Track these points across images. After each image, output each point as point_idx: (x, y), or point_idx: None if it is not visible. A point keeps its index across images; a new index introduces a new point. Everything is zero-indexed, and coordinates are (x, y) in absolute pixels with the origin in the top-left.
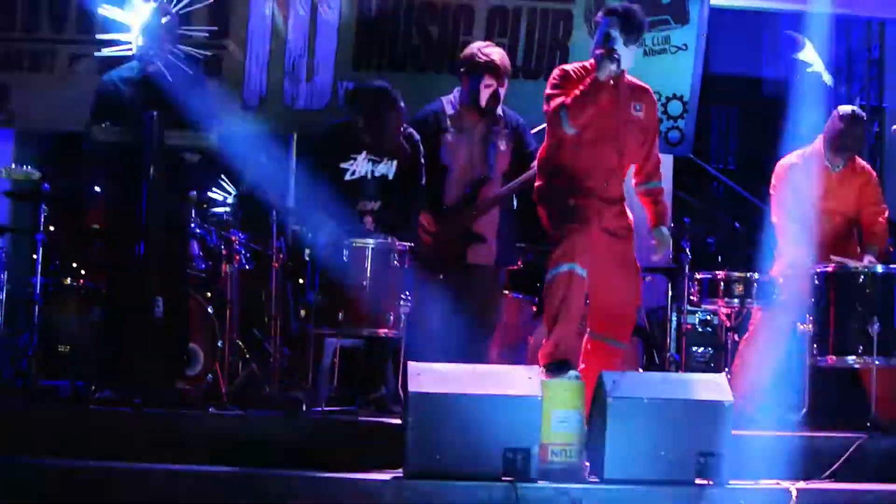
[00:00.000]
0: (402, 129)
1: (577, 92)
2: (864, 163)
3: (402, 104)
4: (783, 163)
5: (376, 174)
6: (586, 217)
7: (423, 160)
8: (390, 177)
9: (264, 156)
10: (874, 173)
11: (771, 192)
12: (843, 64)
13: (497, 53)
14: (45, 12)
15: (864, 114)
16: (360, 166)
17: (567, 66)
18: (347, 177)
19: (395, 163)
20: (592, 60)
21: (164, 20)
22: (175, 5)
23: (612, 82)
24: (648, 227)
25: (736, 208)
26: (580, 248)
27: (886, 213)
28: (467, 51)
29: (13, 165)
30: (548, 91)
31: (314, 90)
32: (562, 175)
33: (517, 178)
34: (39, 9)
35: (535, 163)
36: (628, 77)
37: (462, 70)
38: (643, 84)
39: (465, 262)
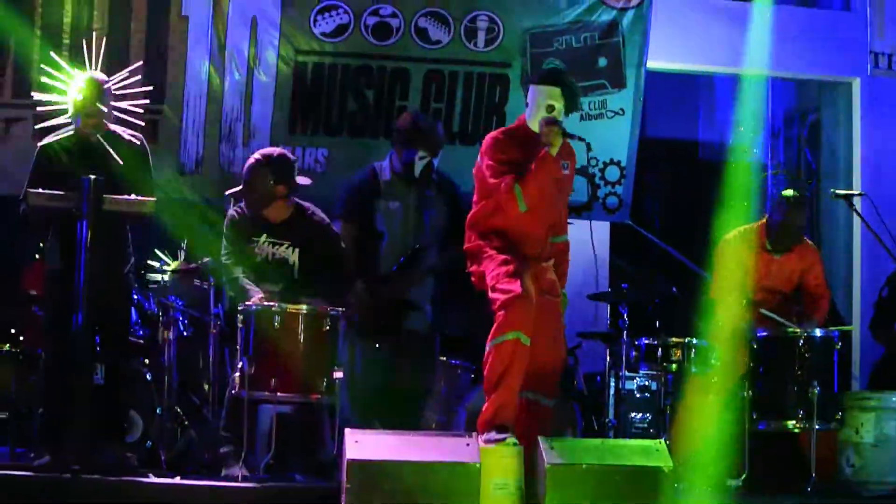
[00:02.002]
0: (279, 195)
1: (532, 169)
2: (808, 242)
3: (287, 174)
4: (725, 238)
5: (276, 257)
6: (528, 283)
7: (341, 245)
8: (290, 262)
9: (201, 221)
10: (818, 254)
11: (713, 266)
12: (780, 126)
13: (431, 125)
14: None
15: (806, 198)
16: (262, 249)
17: (501, 133)
18: (255, 258)
19: (296, 251)
20: (519, 124)
21: (98, 87)
22: (111, 77)
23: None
24: None
25: (673, 273)
26: (524, 317)
27: (828, 297)
28: (402, 121)
29: None
30: (489, 162)
31: (250, 155)
32: (499, 238)
33: (452, 243)
34: None
35: (469, 223)
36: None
37: (396, 139)
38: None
39: (401, 329)
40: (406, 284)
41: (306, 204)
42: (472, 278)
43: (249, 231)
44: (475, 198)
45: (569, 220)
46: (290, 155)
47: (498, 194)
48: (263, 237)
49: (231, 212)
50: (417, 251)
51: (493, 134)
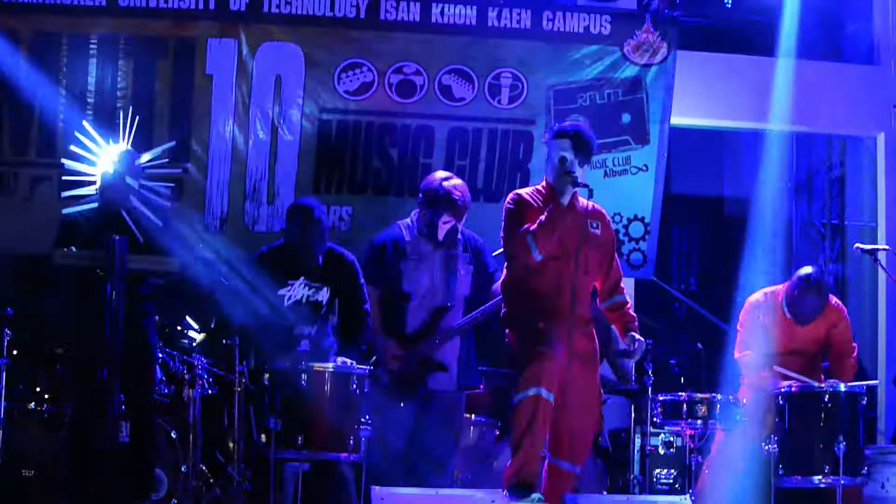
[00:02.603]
0: (322, 245)
1: (542, 219)
2: (834, 300)
3: (324, 220)
4: (750, 300)
5: (311, 299)
6: (555, 340)
7: (361, 282)
8: (324, 302)
9: (226, 279)
10: (844, 310)
11: (738, 327)
12: (804, 181)
13: (458, 190)
14: (7, 135)
15: (823, 279)
16: (296, 291)
17: (521, 191)
18: (286, 302)
19: (328, 289)
20: (545, 182)
21: (129, 170)
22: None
23: (569, 202)
24: (620, 337)
25: (698, 329)
26: (548, 373)
27: (855, 353)
28: (428, 182)
29: None
30: (507, 220)
31: (275, 213)
32: (529, 298)
33: (478, 301)
34: (1, 132)
35: (499, 287)
36: (580, 196)
37: (421, 200)
38: (594, 204)
39: (427, 389)
40: (432, 345)
41: (335, 246)
42: (512, 343)
43: (285, 273)
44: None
45: None
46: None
47: (515, 247)
48: (301, 279)
49: (264, 249)
50: (443, 311)
51: (512, 193)
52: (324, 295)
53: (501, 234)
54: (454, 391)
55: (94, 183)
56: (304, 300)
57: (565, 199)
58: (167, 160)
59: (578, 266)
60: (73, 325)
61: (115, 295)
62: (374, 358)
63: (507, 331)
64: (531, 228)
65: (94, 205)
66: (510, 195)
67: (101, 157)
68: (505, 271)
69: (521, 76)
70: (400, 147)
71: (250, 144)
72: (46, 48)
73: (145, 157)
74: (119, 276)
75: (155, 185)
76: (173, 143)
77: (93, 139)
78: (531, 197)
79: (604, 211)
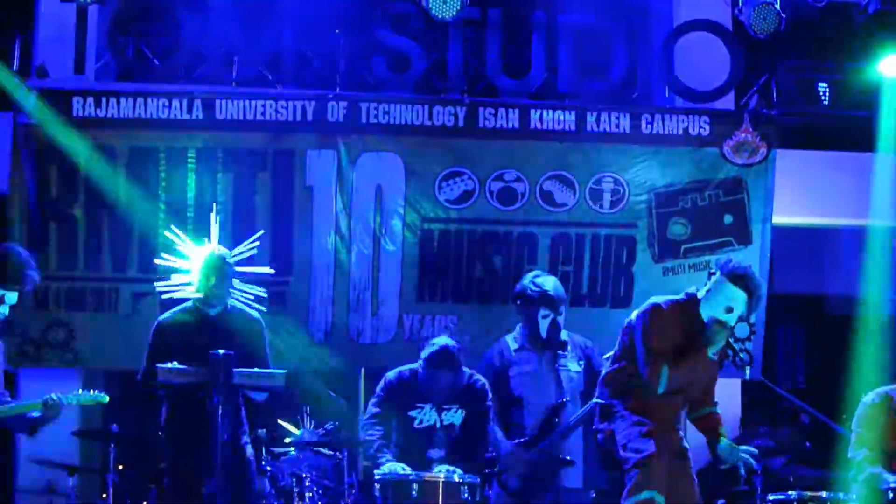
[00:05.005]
0: (459, 382)
1: (686, 360)
2: None
3: (460, 359)
4: (865, 401)
5: (444, 423)
6: (661, 444)
7: (489, 405)
8: (457, 424)
9: (333, 391)
10: None
11: (853, 427)
12: None
13: (550, 283)
14: (107, 252)
15: None
16: (427, 415)
17: (667, 307)
18: (416, 425)
19: (462, 411)
20: (694, 302)
21: (222, 264)
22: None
23: None
24: (710, 450)
25: (807, 428)
26: (659, 476)
27: None
28: (518, 285)
29: (80, 391)
30: (655, 333)
31: (380, 324)
32: (634, 400)
33: (590, 398)
34: (101, 248)
35: (604, 380)
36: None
37: (517, 304)
38: None
39: (558, 486)
40: (553, 442)
41: (466, 372)
42: (599, 434)
43: (416, 397)
44: (615, 354)
45: None
46: None
47: (648, 367)
48: (430, 404)
49: (393, 378)
50: (560, 407)
51: (659, 302)
52: (455, 416)
53: (626, 332)
54: (581, 490)
55: (191, 286)
56: (436, 424)
57: (713, 351)
58: (269, 271)
59: (696, 391)
60: (178, 440)
61: (220, 410)
62: (499, 465)
63: (600, 423)
64: (670, 360)
65: (189, 305)
66: (657, 305)
67: (194, 261)
68: (612, 366)
69: (621, 180)
70: (503, 254)
71: (353, 255)
72: (144, 163)
73: (236, 252)
74: (223, 392)
75: (250, 290)
76: (264, 239)
77: (186, 243)
78: (678, 314)
79: None
